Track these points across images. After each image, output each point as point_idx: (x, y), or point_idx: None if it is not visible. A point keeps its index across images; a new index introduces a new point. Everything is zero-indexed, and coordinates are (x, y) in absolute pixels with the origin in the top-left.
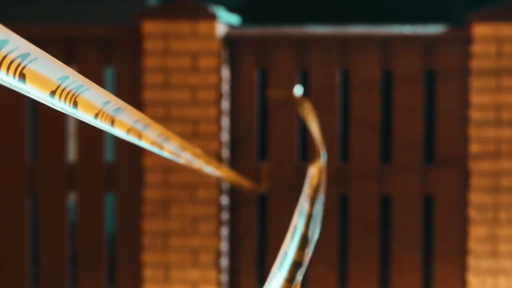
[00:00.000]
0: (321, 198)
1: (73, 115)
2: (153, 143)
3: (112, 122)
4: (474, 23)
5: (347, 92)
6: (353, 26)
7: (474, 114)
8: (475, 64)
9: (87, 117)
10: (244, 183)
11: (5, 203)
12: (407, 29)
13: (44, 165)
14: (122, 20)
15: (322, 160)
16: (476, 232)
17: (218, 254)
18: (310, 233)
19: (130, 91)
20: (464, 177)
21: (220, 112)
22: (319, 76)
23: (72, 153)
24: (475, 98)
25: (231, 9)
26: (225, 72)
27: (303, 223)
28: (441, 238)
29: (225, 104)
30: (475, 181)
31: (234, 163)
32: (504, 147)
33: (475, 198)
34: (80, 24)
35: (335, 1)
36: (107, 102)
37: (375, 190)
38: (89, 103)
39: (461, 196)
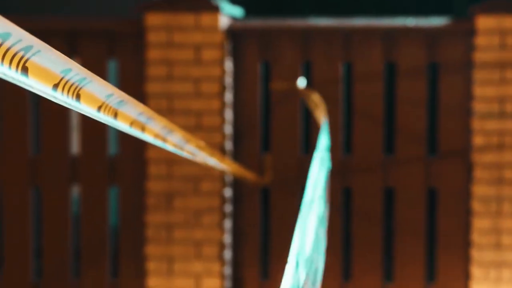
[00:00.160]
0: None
1: (76, 109)
2: (157, 135)
3: (115, 115)
4: (478, 15)
5: (350, 84)
6: (356, 18)
7: (478, 106)
8: (479, 56)
9: (90, 110)
10: (247, 175)
11: (8, 196)
12: (410, 21)
13: (47, 158)
14: (124, 13)
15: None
16: (480, 224)
17: (222, 246)
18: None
19: (133, 84)
20: (468, 169)
21: (223, 104)
22: (322, 68)
23: (75, 146)
24: (479, 90)
25: (234, 1)
26: (228, 64)
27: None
28: (445, 231)
29: (228, 97)
30: (478, 173)
31: (237, 156)
32: (508, 139)
33: (478, 190)
34: (83, 17)
35: None
36: (110, 95)
37: (379, 182)
38: (92, 96)
39: (465, 188)
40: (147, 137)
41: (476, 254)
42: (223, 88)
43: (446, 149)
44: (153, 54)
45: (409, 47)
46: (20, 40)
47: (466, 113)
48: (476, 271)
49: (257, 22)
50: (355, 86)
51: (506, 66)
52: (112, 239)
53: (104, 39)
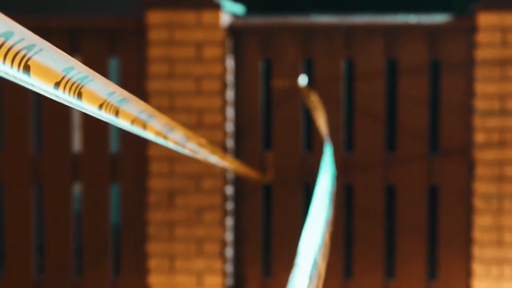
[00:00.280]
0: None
1: (78, 107)
2: (158, 133)
3: (117, 113)
4: (479, 12)
5: (351, 81)
6: (357, 15)
7: (479, 104)
8: (480, 53)
9: (92, 108)
10: (249, 173)
11: (10, 194)
12: (412, 18)
13: (49, 156)
14: (126, 11)
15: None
16: (481, 222)
17: (223, 244)
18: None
19: (134, 82)
20: (469, 166)
21: (224, 102)
22: (323, 65)
23: (77, 143)
24: (480, 88)
25: None
26: (230, 62)
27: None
28: (446, 228)
29: (230, 94)
30: (480, 170)
31: (238, 153)
32: (509, 136)
33: (480, 187)
34: (84, 15)
35: None
36: (112, 93)
37: (380, 180)
38: (93, 94)
39: (466, 185)
40: (148, 135)
41: (477, 251)
42: (224, 86)
43: (447, 146)
44: (154, 52)
45: (410, 44)
46: (22, 39)
47: (468, 110)
48: (477, 268)
49: (258, 20)
50: (356, 83)
51: (507, 63)
52: (113, 237)
53: (106, 37)
